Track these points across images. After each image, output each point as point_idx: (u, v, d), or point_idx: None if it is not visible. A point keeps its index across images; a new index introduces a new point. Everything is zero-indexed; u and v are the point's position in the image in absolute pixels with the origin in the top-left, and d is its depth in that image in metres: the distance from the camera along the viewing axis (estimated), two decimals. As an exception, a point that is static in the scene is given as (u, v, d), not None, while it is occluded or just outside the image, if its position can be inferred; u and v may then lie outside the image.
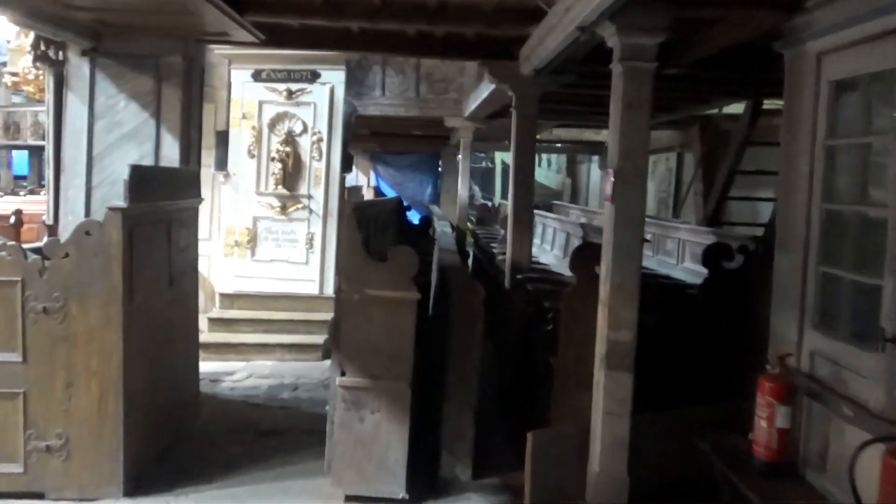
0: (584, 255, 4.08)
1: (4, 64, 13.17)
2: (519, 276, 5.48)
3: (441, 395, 4.25)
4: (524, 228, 5.52)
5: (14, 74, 11.22)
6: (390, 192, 22.67)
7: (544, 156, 22.00)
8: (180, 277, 4.79)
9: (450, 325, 4.17)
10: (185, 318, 4.98)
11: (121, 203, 3.85)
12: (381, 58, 10.97)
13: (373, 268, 3.87)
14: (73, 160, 5.17)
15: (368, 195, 20.90)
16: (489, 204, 13.95)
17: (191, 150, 5.39)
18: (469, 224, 12.77)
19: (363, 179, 20.51)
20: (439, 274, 4.64)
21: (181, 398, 4.88)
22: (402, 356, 3.85)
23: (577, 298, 3.98)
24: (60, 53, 5.17)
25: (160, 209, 4.39)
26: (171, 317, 4.64)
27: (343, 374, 3.97)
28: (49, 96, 5.21)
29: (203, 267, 8.12)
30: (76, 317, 3.84)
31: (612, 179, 3.44)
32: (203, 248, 8.11)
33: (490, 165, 24.58)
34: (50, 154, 5.23)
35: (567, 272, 5.36)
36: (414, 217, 22.69)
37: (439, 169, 22.72)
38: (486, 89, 6.97)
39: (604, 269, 3.41)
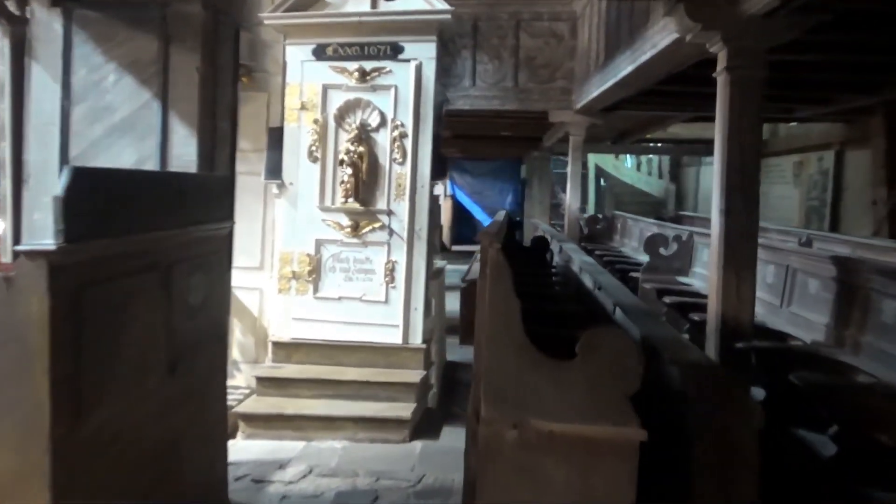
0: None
1: None
2: (740, 346, 3.37)
3: None
4: (744, 266, 3.41)
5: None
6: (467, 203, 20.80)
7: (630, 157, 19.64)
8: (191, 357, 2.91)
9: (681, 474, 2.11)
10: (202, 421, 3.09)
11: (45, 244, 1.97)
12: (472, 40, 9.06)
13: (548, 375, 1.86)
14: (40, 165, 3.37)
15: (446, 207, 19.07)
16: (599, 215, 11.75)
17: (218, 147, 3.52)
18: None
19: (438, 188, 18.47)
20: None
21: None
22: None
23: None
24: (21, 5, 3.39)
25: (146, 246, 2.52)
26: (173, 426, 2.75)
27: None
28: (4, 69, 3.42)
29: (253, 304, 6.30)
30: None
31: None
32: (252, 279, 6.29)
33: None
34: (6, 157, 3.44)
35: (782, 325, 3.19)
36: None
37: (521, 176, 20.71)
38: (647, 50, 4.90)
39: None
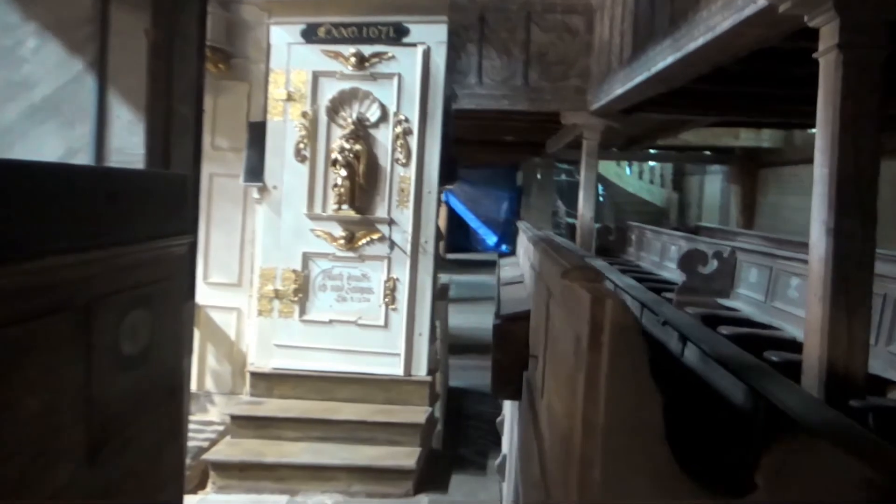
0: None
1: None
2: (856, 404, 2.56)
3: None
4: (858, 301, 2.61)
5: None
6: (461, 210, 19.97)
7: (630, 165, 18.90)
8: (127, 428, 2.07)
9: None
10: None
11: None
12: (479, 33, 8.25)
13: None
14: (-65, 160, 2.53)
15: (440, 214, 18.26)
16: (610, 226, 10.96)
17: (175, 138, 2.69)
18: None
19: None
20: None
21: None
22: None
23: None
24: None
25: (50, 277, 1.68)
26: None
27: None
28: None
29: (229, 326, 5.46)
30: None
31: None
32: (229, 297, 5.44)
33: (572, 179, 21.41)
34: None
35: None
36: (489, 237, 19.99)
37: (517, 184, 19.93)
38: (697, 36, 4.12)
39: None
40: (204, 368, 5.51)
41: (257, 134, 4.95)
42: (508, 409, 3.54)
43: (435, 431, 4.76)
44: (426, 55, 4.71)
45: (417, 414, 4.50)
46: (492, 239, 20.03)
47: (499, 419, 4.21)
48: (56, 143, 2.49)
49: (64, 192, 1.79)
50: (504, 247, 19.42)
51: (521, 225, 6.05)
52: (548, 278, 1.72)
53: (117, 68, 2.53)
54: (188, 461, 4.23)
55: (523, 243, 4.19)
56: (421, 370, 4.66)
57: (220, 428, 5.12)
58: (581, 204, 8.19)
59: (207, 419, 5.41)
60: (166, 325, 2.36)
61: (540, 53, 8.06)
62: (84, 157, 2.49)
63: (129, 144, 2.49)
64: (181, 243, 2.40)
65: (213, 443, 4.81)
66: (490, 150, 14.36)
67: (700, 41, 4.18)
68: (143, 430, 2.20)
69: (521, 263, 4.04)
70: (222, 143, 4.99)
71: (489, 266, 14.71)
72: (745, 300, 5.29)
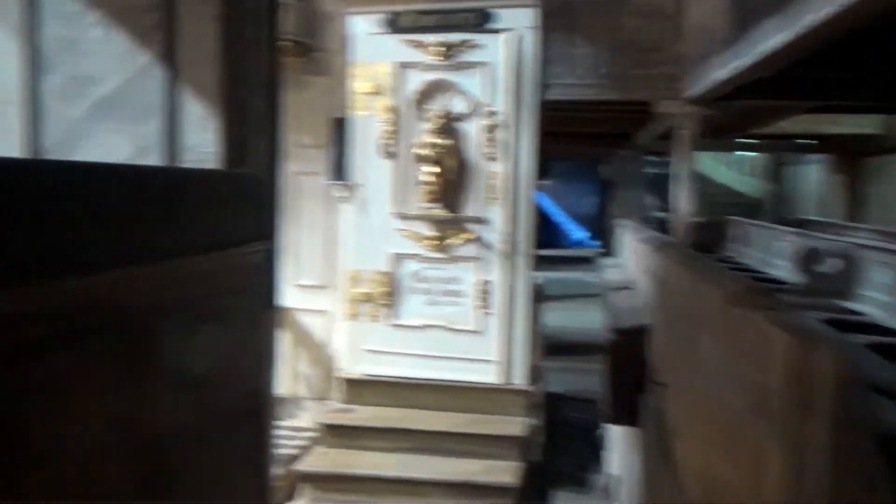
0: None
1: None
2: None
3: None
4: None
5: None
6: (545, 203, 19.39)
7: (723, 155, 17.78)
8: (194, 463, 1.85)
9: None
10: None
11: None
12: (566, 20, 7.81)
13: None
14: None
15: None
16: (704, 220, 10.23)
17: (250, 134, 2.46)
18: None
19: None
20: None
21: None
22: None
23: None
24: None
25: (100, 293, 1.46)
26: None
27: None
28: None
29: (318, 330, 5.30)
30: None
31: None
32: (316, 300, 5.29)
33: (661, 171, 20.34)
34: (-39, 154, 2.49)
35: None
36: (574, 232, 19.35)
37: (601, 177, 19.21)
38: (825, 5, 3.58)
39: None
40: (294, 373, 5.38)
41: (341, 130, 4.75)
42: (617, 428, 3.17)
43: (535, 443, 4.42)
44: (516, 42, 4.36)
45: (516, 425, 4.17)
46: (577, 234, 19.41)
47: (599, 431, 3.85)
48: (124, 142, 2.31)
49: (125, 196, 1.57)
50: (589, 242, 18.80)
51: (622, 223, 5.60)
52: (688, 296, 1.37)
53: (187, 59, 2.32)
54: (280, 471, 4.08)
55: (630, 244, 3.77)
56: (518, 378, 4.33)
57: (311, 434, 4.97)
58: (676, 198, 7.62)
59: (298, 425, 5.28)
60: (240, 342, 2.13)
61: (630, 40, 7.54)
62: (154, 157, 2.30)
63: (200, 142, 2.28)
64: (256, 250, 2.16)
65: (304, 451, 4.66)
66: (574, 142, 13.81)
67: (821, 14, 3.64)
68: (215, 459, 1.97)
69: (628, 266, 3.63)
70: (305, 140, 4.81)
71: (576, 263, 14.19)
72: (871, 302, 4.67)
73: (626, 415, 1.95)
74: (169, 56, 2.31)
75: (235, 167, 2.36)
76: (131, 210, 1.56)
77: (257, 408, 2.35)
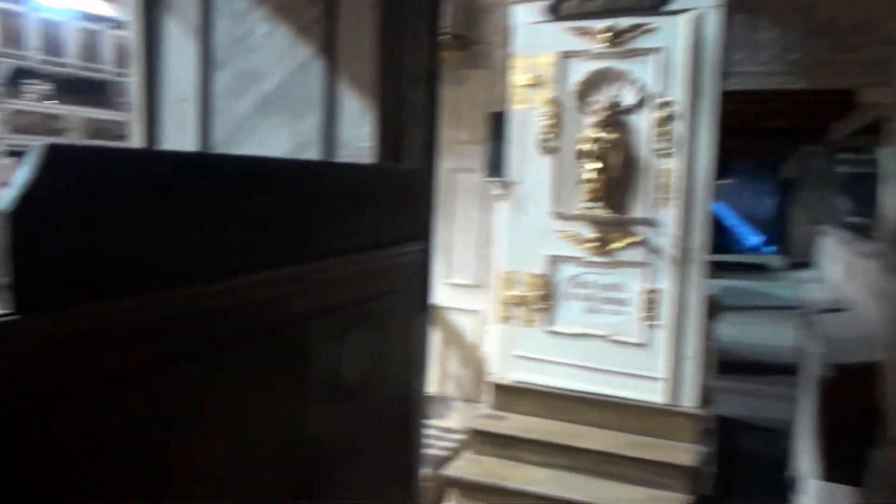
0: None
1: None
2: None
3: None
4: None
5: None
6: (717, 207, 18.15)
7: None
8: (342, 476, 1.73)
9: None
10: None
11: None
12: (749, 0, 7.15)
13: None
14: (174, 161, 2.43)
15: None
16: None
17: (407, 128, 2.33)
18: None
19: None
20: None
21: None
22: None
23: None
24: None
25: (242, 298, 1.35)
26: None
27: None
28: (135, 25, 2.51)
29: (469, 330, 5.17)
30: None
31: None
32: (468, 299, 5.15)
33: (857, 170, 18.24)
34: (139, 145, 2.54)
35: None
36: (748, 237, 17.97)
37: (782, 176, 17.69)
38: None
39: None
40: (444, 372, 5.30)
41: (498, 125, 4.57)
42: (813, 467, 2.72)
43: (705, 474, 4.00)
44: (696, 23, 3.95)
45: (683, 453, 3.78)
46: (751, 239, 18.00)
47: (789, 473, 3.36)
48: (284, 137, 2.25)
49: (285, 192, 1.46)
50: (764, 248, 17.39)
51: (823, 230, 5.00)
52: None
53: (345, 52, 2.22)
54: (427, 472, 3.99)
55: (839, 256, 3.27)
56: (688, 400, 3.93)
57: (460, 437, 4.85)
58: (885, 201, 6.71)
59: (447, 426, 5.19)
60: (393, 346, 1.99)
61: (828, 21, 6.75)
62: (313, 152, 2.22)
63: (356, 136, 2.17)
64: (412, 250, 2.01)
65: (453, 454, 4.55)
66: (752, 138, 12.75)
67: None
68: (364, 465, 1.84)
69: (836, 282, 3.13)
70: (460, 136, 4.68)
71: (749, 270, 13.12)
72: None
73: (845, 472, 1.59)
74: (328, 49, 2.22)
75: (391, 163, 2.23)
76: (288, 207, 1.45)
77: (408, 413, 2.20)
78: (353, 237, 1.71)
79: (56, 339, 0.94)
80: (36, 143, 0.93)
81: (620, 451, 3.88)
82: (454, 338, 5.04)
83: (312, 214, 1.54)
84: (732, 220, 18.09)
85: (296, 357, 1.53)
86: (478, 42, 4.76)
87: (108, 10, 15.90)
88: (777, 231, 17.04)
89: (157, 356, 1.16)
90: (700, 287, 3.95)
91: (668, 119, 3.99)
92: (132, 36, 2.45)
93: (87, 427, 1.02)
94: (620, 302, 4.15)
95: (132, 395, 1.11)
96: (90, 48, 15.40)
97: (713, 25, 3.93)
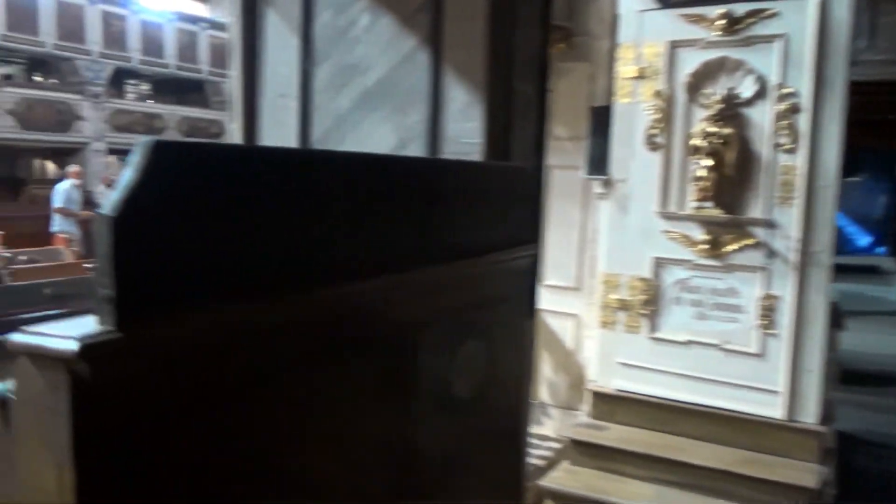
0: None
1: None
2: None
3: None
4: None
5: None
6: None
7: None
8: (450, 491, 1.61)
9: None
10: None
11: (65, 338, 0.76)
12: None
13: None
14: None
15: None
16: None
17: (517, 123, 2.19)
18: None
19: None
20: None
21: None
22: None
23: None
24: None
25: (344, 308, 1.24)
26: None
27: None
28: (236, 20, 2.48)
29: (566, 334, 4.98)
30: None
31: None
32: (565, 302, 4.94)
33: None
34: (239, 142, 2.51)
35: None
36: (860, 237, 16.84)
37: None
38: None
39: None
40: (539, 378, 5.13)
41: (601, 120, 4.35)
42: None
43: (826, 496, 3.68)
44: (822, 7, 3.63)
45: (804, 472, 3.48)
46: (864, 240, 16.83)
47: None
48: (387, 133, 2.15)
49: (392, 192, 1.35)
50: (876, 249, 16.25)
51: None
52: None
53: (452, 42, 2.10)
54: (525, 482, 3.84)
55: None
56: (809, 416, 3.62)
57: (556, 445, 4.68)
58: None
59: (543, 433, 5.03)
60: (503, 355, 1.86)
61: (966, -1, 6.14)
62: (417, 147, 2.11)
63: (464, 131, 2.05)
64: (524, 255, 1.88)
65: (549, 463, 4.38)
66: (867, 131, 11.88)
67: None
68: (471, 485, 1.72)
69: None
70: (560, 132, 4.49)
71: (861, 272, 12.26)
72: None
73: None
74: (434, 39, 2.10)
75: (499, 160, 2.10)
76: (398, 208, 1.34)
77: (516, 424, 2.08)
78: (466, 240, 1.59)
79: (160, 355, 0.85)
80: (141, 140, 0.84)
81: (731, 468, 3.61)
82: (550, 342, 4.86)
83: (425, 215, 1.42)
84: (842, 220, 16.96)
85: (404, 367, 1.43)
86: (579, 33, 4.56)
87: (204, 12, 16.48)
88: (889, 231, 15.89)
89: (265, 367, 1.07)
90: (823, 294, 3.63)
91: (790, 112, 3.68)
92: (233, 31, 2.41)
93: (194, 444, 0.93)
94: (734, 308, 3.87)
95: (239, 410, 1.03)
96: (187, 49, 16.02)
97: (843, 9, 3.60)
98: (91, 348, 0.73)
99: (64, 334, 0.74)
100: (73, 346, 0.73)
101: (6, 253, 6.78)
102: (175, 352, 0.87)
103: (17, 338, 0.75)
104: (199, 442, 0.93)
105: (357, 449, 1.32)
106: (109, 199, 0.78)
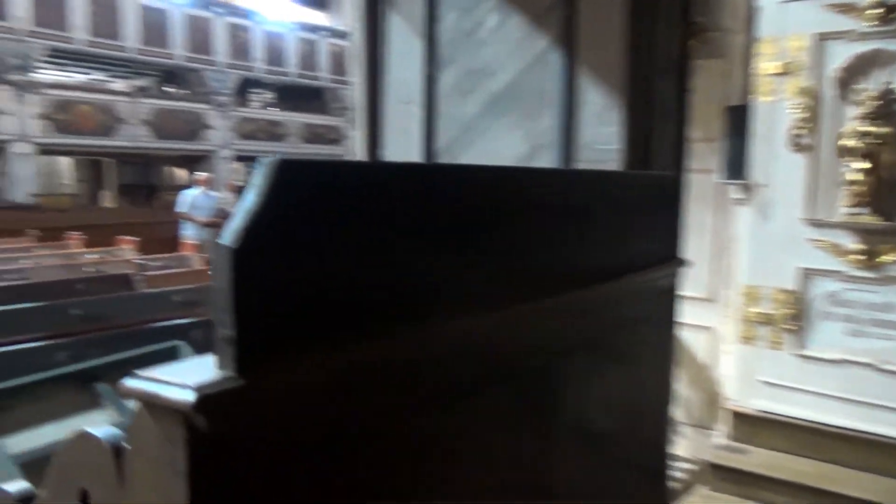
0: None
1: None
2: None
3: None
4: None
5: None
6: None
7: None
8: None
9: None
10: None
11: (181, 386, 0.68)
12: None
13: None
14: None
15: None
16: None
17: (655, 127, 2.00)
18: None
19: None
20: None
21: None
22: None
23: None
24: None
25: (478, 338, 1.12)
26: None
27: None
28: (359, 25, 2.42)
29: (700, 348, 4.66)
30: None
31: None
32: (699, 314, 4.58)
33: None
34: (358, 151, 2.44)
35: None
36: None
37: None
38: None
39: None
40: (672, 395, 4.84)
41: (738, 120, 4.04)
42: None
43: None
44: None
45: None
46: None
47: None
48: (519, 139, 2.03)
49: (529, 211, 1.22)
50: None
51: None
52: None
53: (587, 41, 1.95)
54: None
55: None
56: None
57: (690, 466, 4.38)
58: None
59: (675, 453, 4.73)
60: (646, 385, 1.69)
61: None
62: (550, 156, 1.98)
63: (600, 137, 1.89)
64: (669, 273, 1.70)
65: (684, 487, 4.10)
66: None
67: None
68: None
69: None
70: (695, 134, 4.20)
71: None
72: None
73: None
74: (567, 38, 1.96)
75: (638, 167, 1.92)
76: (543, 227, 1.21)
77: (660, 464, 1.89)
78: (606, 261, 1.43)
79: (286, 401, 0.76)
80: (264, 158, 0.75)
81: (891, 501, 3.22)
82: (683, 356, 4.56)
83: (566, 234, 1.28)
84: None
85: (535, 403, 1.29)
86: (713, 29, 4.25)
87: (324, 20, 17.03)
88: None
89: (396, 406, 0.96)
90: None
91: (963, 106, 3.25)
92: (355, 37, 2.37)
93: (324, 486, 0.84)
94: (892, 325, 3.47)
95: (371, 453, 0.93)
96: (307, 57, 16.60)
97: None
98: (210, 399, 0.65)
99: (181, 382, 0.66)
100: (190, 396, 0.65)
101: (140, 259, 7.18)
102: (303, 396, 0.78)
103: (131, 383, 0.68)
104: (326, 493, 0.84)
105: (493, 486, 1.20)
106: (229, 229, 0.70)
